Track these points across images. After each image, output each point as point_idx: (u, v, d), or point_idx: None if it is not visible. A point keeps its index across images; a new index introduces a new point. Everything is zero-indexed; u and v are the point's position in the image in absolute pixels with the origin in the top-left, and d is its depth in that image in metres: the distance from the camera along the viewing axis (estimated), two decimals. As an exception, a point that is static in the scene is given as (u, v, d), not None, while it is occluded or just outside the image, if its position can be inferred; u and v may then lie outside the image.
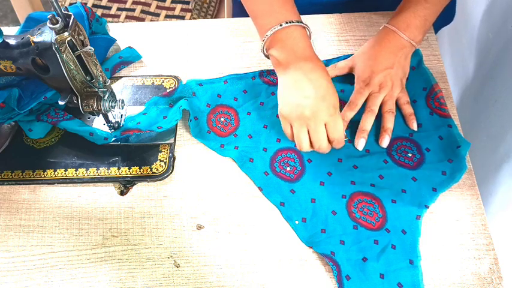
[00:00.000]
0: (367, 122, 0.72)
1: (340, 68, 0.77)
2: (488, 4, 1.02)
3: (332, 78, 0.74)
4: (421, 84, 0.76)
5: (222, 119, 0.74)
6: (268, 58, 0.70)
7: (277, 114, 0.73)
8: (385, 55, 0.72)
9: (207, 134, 0.73)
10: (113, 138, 0.71)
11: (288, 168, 0.70)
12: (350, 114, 0.73)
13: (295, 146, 0.70)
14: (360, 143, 0.71)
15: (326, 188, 0.68)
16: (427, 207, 0.66)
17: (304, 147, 0.67)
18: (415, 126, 0.72)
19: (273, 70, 0.77)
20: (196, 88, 0.76)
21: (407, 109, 0.73)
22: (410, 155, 0.70)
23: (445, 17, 0.97)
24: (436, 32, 0.85)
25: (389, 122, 0.72)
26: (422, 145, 0.71)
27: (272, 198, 0.68)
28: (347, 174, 0.69)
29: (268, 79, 0.78)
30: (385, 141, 0.71)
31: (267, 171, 0.70)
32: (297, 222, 0.66)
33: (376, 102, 0.72)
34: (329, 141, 0.67)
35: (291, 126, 0.67)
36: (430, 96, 0.75)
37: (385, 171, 0.69)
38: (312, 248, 0.64)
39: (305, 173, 0.70)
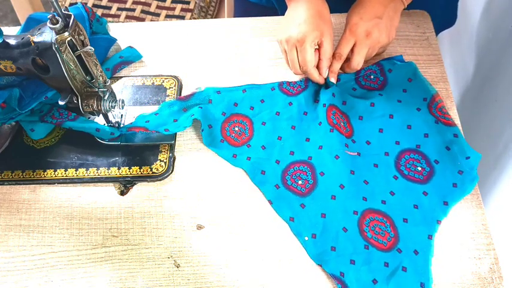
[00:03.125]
0: (335, 66, 0.75)
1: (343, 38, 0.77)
2: (488, 4, 1.02)
3: (334, 85, 0.76)
4: (421, 94, 0.75)
5: (236, 129, 0.73)
6: None
7: (293, 126, 0.73)
8: (374, 4, 0.73)
9: (220, 143, 0.72)
10: (119, 134, 0.71)
11: (300, 182, 0.69)
12: (337, 65, 0.75)
13: (308, 158, 0.70)
14: (332, 79, 0.76)
15: (337, 203, 0.67)
16: (439, 222, 0.65)
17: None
18: (331, 77, 0.75)
19: (293, 82, 0.77)
20: (213, 96, 0.75)
21: (356, 61, 0.74)
22: (419, 168, 0.69)
23: (447, 20, 0.97)
24: (436, 34, 0.85)
25: (335, 67, 0.75)
26: (431, 157, 0.70)
27: (281, 213, 0.67)
28: (359, 188, 0.68)
29: (287, 89, 0.77)
30: (332, 79, 0.76)
31: (278, 184, 0.69)
32: (306, 238, 0.65)
33: (361, 53, 0.74)
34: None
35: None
36: (432, 106, 0.74)
37: (395, 187, 0.68)
38: (321, 266, 0.63)
39: (317, 186, 0.68)
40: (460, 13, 0.99)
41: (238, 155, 0.71)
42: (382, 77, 0.78)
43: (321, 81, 0.75)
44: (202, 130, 0.72)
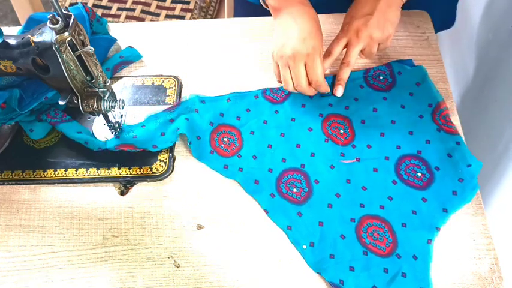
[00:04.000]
0: (343, 72, 0.74)
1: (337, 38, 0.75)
2: (488, 4, 1.03)
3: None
4: (427, 100, 0.75)
5: (225, 139, 0.73)
6: (267, 8, 0.76)
7: (282, 133, 0.73)
8: (366, 2, 0.73)
9: (209, 154, 0.71)
10: (106, 148, 0.71)
11: (295, 190, 0.68)
12: (327, 62, 0.75)
13: (301, 166, 0.70)
14: (338, 90, 0.75)
15: (334, 211, 0.67)
16: (438, 229, 0.65)
17: (289, 86, 0.73)
18: (337, 92, 0.74)
19: (276, 88, 0.77)
20: (199, 105, 0.75)
21: (348, 57, 0.73)
22: (419, 174, 0.68)
23: (446, 21, 0.97)
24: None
25: (344, 73, 0.74)
26: (432, 163, 0.69)
27: (279, 222, 0.66)
28: (355, 196, 0.68)
29: (271, 97, 0.76)
30: (338, 91, 0.74)
31: (273, 193, 0.68)
32: (304, 247, 0.64)
33: (352, 54, 0.73)
34: (310, 83, 0.72)
35: (278, 67, 0.73)
36: (436, 113, 0.74)
37: (394, 192, 0.68)
38: (320, 274, 0.63)
39: (312, 194, 0.68)
40: (460, 13, 0.99)
41: (230, 165, 0.71)
42: (391, 78, 0.78)
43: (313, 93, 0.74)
44: (190, 143, 0.72)
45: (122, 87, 0.78)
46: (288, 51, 0.70)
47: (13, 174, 0.70)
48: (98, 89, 0.66)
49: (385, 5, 0.73)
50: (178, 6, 1.39)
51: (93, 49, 0.62)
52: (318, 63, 0.70)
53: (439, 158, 0.70)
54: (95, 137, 0.72)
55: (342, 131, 0.73)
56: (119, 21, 1.35)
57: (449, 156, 0.70)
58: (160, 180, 0.70)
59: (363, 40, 0.72)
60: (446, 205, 0.66)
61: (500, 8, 0.97)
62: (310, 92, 0.73)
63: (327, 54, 0.75)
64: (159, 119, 0.73)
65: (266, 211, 0.67)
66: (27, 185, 0.70)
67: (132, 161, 0.71)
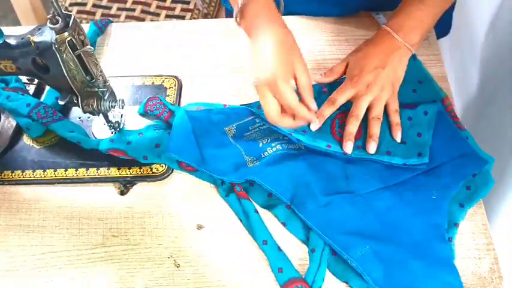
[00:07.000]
0: (352, 125, 0.69)
1: (337, 71, 0.74)
2: (488, 3, 1.02)
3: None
4: (430, 97, 0.74)
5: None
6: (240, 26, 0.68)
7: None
8: (377, 55, 0.70)
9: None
10: (97, 149, 0.70)
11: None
12: (328, 110, 0.70)
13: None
14: (348, 146, 0.68)
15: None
16: (456, 225, 0.64)
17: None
18: (398, 137, 0.69)
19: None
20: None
21: (395, 118, 0.70)
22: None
23: (442, 29, 0.96)
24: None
25: (375, 128, 0.69)
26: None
27: (297, 233, 0.65)
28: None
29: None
30: (371, 147, 0.68)
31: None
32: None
33: (361, 106, 0.69)
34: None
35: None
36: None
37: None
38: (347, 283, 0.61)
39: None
40: (460, 13, 0.99)
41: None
42: None
43: (314, 119, 0.66)
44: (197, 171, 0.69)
45: (122, 87, 0.78)
46: (252, 80, 0.63)
47: (13, 174, 0.70)
48: (98, 88, 0.66)
49: (396, 60, 0.70)
50: (178, 6, 1.39)
51: (93, 48, 0.62)
52: (282, 89, 0.61)
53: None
54: (87, 136, 0.72)
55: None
56: (118, 21, 1.35)
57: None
58: (160, 180, 0.70)
59: (373, 93, 0.69)
60: (462, 200, 0.65)
61: (500, 8, 0.97)
62: (278, 120, 0.64)
63: (330, 102, 0.70)
64: (158, 130, 0.72)
65: (284, 224, 0.66)
66: (27, 185, 0.70)
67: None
